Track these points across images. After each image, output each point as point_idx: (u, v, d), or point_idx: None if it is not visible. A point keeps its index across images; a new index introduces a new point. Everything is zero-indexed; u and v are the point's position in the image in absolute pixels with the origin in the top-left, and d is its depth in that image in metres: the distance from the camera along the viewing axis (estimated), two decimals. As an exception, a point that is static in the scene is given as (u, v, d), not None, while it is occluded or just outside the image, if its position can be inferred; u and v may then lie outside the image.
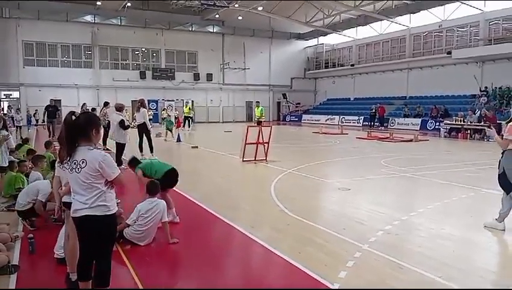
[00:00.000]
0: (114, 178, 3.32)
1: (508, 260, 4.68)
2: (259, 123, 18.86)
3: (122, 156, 10.83)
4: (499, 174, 5.52)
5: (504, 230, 5.38)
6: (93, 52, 33.86)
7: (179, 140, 18.03)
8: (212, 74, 38.07)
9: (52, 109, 19.94)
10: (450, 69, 28.68)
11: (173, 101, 33.98)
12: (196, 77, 37.56)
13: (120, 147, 10.93)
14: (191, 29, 36.86)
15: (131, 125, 12.67)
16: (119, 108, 11.23)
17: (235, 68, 38.91)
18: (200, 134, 16.80)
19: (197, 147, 15.64)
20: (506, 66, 25.39)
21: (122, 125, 10.78)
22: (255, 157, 11.82)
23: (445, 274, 4.08)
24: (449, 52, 27.66)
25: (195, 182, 9.26)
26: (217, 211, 6.46)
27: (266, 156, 11.92)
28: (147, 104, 15.36)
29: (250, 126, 12.25)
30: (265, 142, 12.13)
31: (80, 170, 3.25)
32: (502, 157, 5.49)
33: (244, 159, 11.74)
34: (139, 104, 12.54)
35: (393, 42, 34.18)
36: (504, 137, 5.42)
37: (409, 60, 32.21)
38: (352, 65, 37.35)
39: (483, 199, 7.59)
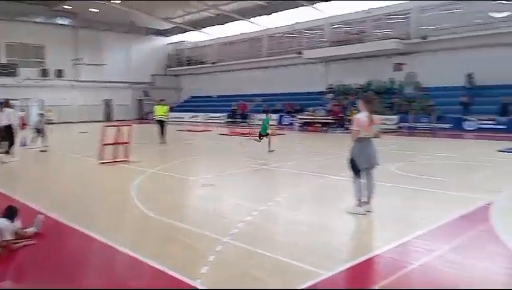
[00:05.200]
0: None
1: (356, 239, 5.29)
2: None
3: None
4: (349, 160, 6.14)
5: (364, 214, 5.92)
6: None
7: (24, 145, 15.82)
8: (63, 70, 34.85)
9: None
10: (301, 68, 31.29)
11: (17, 100, 30.07)
12: (44, 73, 33.92)
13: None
14: (37, 21, 33.12)
15: None
16: None
17: (91, 64, 36.24)
18: (50, 136, 15.20)
19: (45, 150, 14.14)
20: (347, 66, 28.71)
21: None
22: (115, 159, 11.18)
23: (300, 258, 4.35)
24: (300, 53, 30.12)
25: (43, 189, 8.35)
26: (70, 219, 5.89)
27: (127, 157, 11.37)
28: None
29: (108, 126, 11.54)
30: (126, 142, 11.57)
31: None
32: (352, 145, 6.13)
33: (102, 161, 11.00)
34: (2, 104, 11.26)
35: (252, 42, 35.82)
36: (353, 129, 6.04)
37: (266, 59, 34.13)
38: (214, 63, 38.04)
39: (333, 185, 8.41)
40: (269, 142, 13.33)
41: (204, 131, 23.43)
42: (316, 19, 30.84)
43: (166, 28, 40.22)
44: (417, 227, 5.32)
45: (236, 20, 34.66)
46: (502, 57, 21.87)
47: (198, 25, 37.34)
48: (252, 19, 33.75)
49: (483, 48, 22.71)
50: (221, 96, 37.57)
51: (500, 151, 12.89)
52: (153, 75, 41.38)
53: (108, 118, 37.19)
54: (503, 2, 22.47)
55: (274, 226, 5.72)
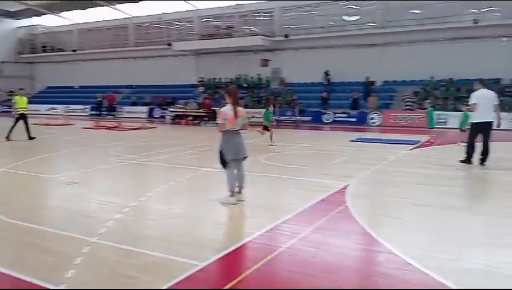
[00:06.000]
0: None
1: (229, 228, 5.43)
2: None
3: None
4: (218, 152, 6.28)
5: (236, 203, 6.10)
6: None
7: None
8: None
9: None
10: (172, 60, 30.79)
11: None
12: None
13: None
14: None
15: None
16: None
17: None
18: None
19: None
20: (218, 60, 29.14)
21: None
22: (-47, 157, 9.61)
23: (175, 251, 4.31)
24: (169, 44, 29.58)
25: None
26: None
27: (-31, 155, 9.87)
28: None
29: None
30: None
31: None
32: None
33: None
34: None
35: (117, 30, 33.98)
36: (218, 122, 6.16)
37: (133, 49, 32.73)
38: (74, 51, 35.12)
39: (205, 178, 8.50)
40: (271, 135, 13.46)
41: (64, 125, 21.55)
42: (185, 11, 30.57)
43: (16, 9, 35.65)
44: (284, 212, 5.71)
45: (99, 6, 32.43)
46: (353, 56, 24.61)
47: (54, 8, 33.92)
48: (117, 6, 31.95)
49: (337, 48, 25.25)
50: (84, 86, 34.90)
51: (352, 141, 14.53)
52: (1, 62, 36.40)
53: None
54: (354, 6, 25.24)
55: (146, 222, 5.57)
